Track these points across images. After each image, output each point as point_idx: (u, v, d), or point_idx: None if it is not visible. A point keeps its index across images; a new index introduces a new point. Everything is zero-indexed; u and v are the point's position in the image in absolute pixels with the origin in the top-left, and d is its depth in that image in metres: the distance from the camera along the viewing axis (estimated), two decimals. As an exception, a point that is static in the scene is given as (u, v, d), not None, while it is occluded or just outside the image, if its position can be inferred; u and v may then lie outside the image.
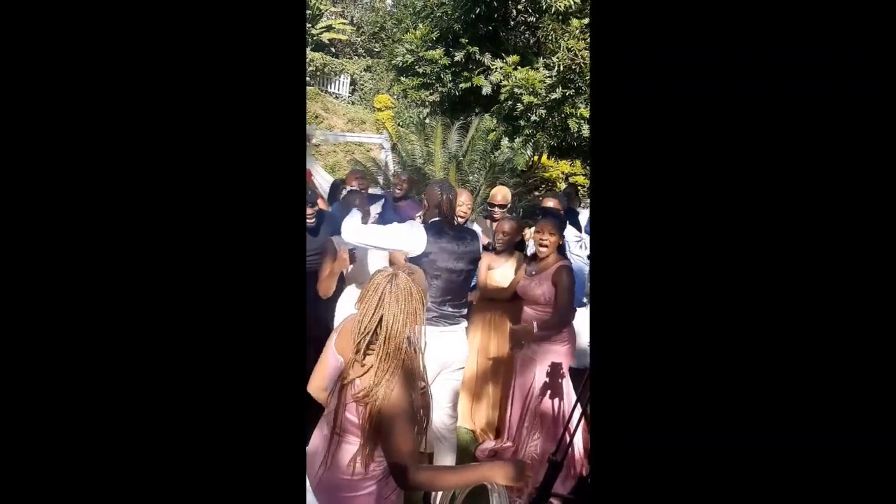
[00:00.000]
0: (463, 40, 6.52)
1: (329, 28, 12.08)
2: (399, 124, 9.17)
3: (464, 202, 2.78)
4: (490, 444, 2.69)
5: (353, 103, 11.28)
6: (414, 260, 2.07)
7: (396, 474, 1.09)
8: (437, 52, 6.56)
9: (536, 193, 6.43)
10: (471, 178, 5.19)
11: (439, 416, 2.15)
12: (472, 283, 2.46)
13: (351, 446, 1.16)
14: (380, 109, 10.23)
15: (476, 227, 2.96)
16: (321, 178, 6.76)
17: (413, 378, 1.17)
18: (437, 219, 2.17)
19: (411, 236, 2.05)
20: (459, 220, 2.60)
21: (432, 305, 2.10)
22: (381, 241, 2.01)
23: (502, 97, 6.36)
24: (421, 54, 6.65)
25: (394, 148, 6.93)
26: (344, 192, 3.13)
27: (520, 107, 6.08)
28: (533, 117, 6.03)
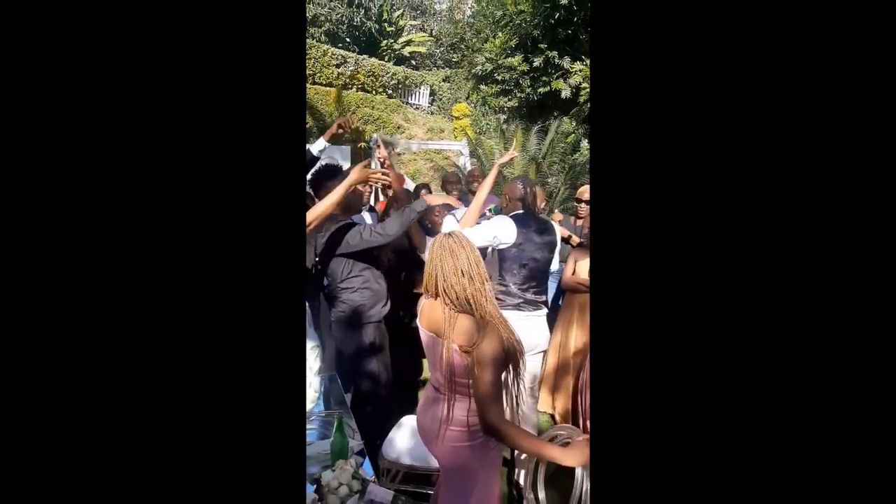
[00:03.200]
0: (542, 45, 6.62)
1: (409, 42, 12.59)
2: (477, 132, 9.39)
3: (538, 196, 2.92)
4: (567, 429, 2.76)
5: (432, 113, 11.64)
6: (505, 250, 2.22)
7: (484, 414, 1.22)
8: (517, 59, 6.71)
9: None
10: (550, 180, 5.26)
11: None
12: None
13: (464, 403, 1.32)
14: (458, 118, 10.50)
15: (558, 227, 3.05)
16: (405, 186, 7.08)
17: (496, 331, 1.30)
18: (520, 212, 2.31)
19: (503, 229, 2.19)
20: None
21: (518, 291, 2.23)
22: (478, 239, 2.17)
23: (581, 99, 6.37)
24: (500, 62, 6.83)
25: (472, 153, 7.13)
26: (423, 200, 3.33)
27: (600, 108, 6.04)
28: (613, 118, 5.97)
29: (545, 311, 2.30)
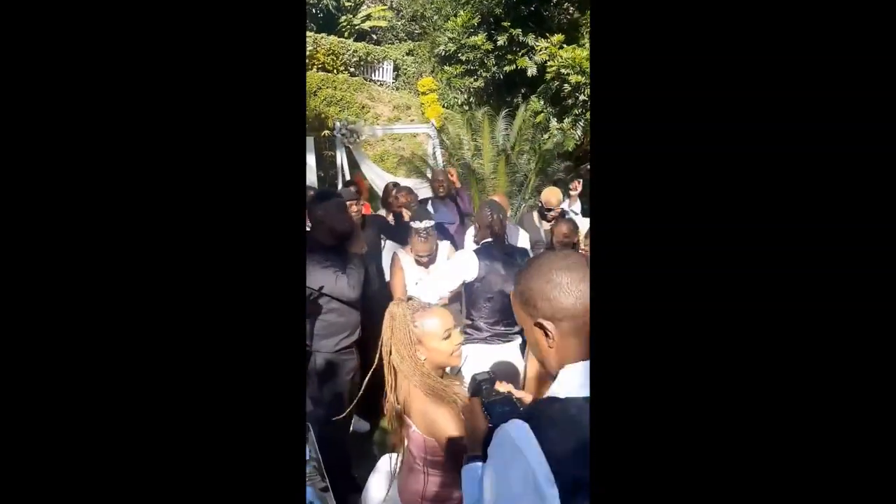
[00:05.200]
0: (505, 23, 6.41)
1: (369, 17, 12.09)
2: (444, 105, 9.16)
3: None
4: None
5: (397, 89, 11.31)
6: (469, 284, 2.17)
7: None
8: (480, 38, 6.49)
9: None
10: (518, 172, 5.18)
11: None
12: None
13: (438, 479, 1.31)
14: (423, 93, 10.23)
15: (519, 231, 3.00)
16: (373, 174, 6.91)
17: (447, 408, 1.28)
18: (489, 240, 2.25)
19: (465, 266, 2.14)
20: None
21: (485, 325, 2.20)
22: (448, 285, 2.13)
23: (548, 77, 6.23)
24: (463, 41, 6.60)
25: (441, 131, 6.96)
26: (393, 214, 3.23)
27: (567, 87, 5.95)
28: (581, 97, 5.89)
29: (518, 340, 2.28)
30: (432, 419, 1.27)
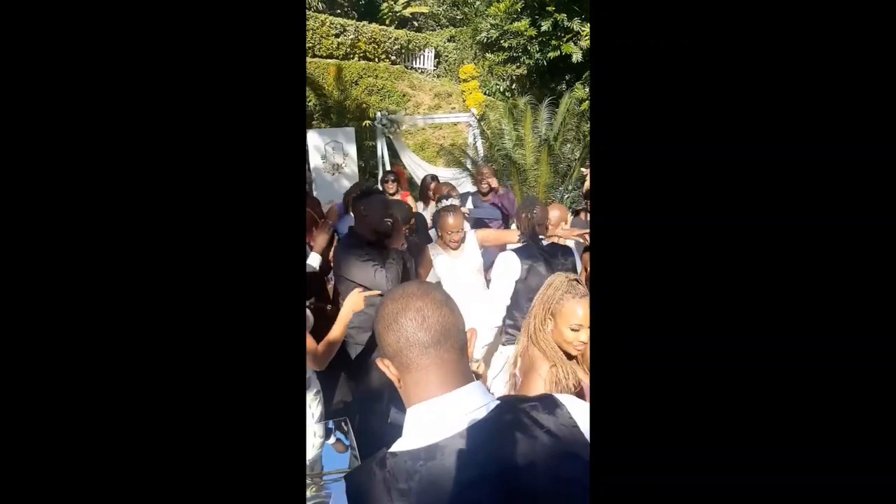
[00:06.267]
0: (550, 8, 6.24)
1: (410, 3, 12.03)
2: (486, 93, 9.05)
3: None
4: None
5: (438, 76, 11.25)
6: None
7: None
8: (523, 24, 6.34)
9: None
10: (561, 163, 5.05)
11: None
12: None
13: None
14: (465, 80, 10.14)
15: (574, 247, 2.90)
16: (413, 163, 6.93)
17: None
18: (528, 240, 2.21)
19: (508, 269, 2.11)
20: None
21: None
22: (499, 300, 2.13)
23: (594, 63, 6.03)
24: (505, 27, 6.47)
25: (481, 120, 6.88)
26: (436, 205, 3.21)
27: (613, 73, 5.74)
28: (628, 83, 5.67)
29: None
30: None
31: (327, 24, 10.00)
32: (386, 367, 0.68)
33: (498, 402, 0.66)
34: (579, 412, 0.65)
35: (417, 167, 6.84)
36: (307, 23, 9.45)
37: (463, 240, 2.41)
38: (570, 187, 5.14)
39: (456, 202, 2.51)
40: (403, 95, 10.28)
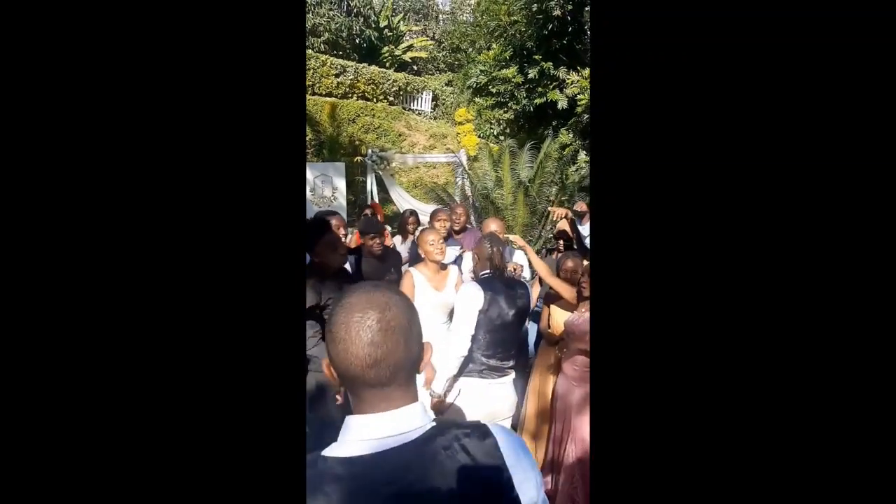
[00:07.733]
0: (536, 57, 6.52)
1: (410, 47, 12.51)
2: (479, 136, 9.30)
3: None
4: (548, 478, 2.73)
5: (435, 118, 11.56)
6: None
7: None
8: (511, 71, 6.61)
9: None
10: (539, 204, 5.18)
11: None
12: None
13: None
14: (460, 123, 10.42)
15: (529, 286, 2.96)
16: (402, 200, 7.06)
17: None
18: (488, 272, 2.26)
19: (472, 300, 2.16)
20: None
21: (481, 357, 2.19)
22: (463, 332, 2.17)
23: (579, 110, 6.26)
24: (494, 74, 6.74)
25: (475, 161, 7.05)
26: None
27: (596, 120, 5.94)
28: (610, 131, 5.86)
29: (511, 376, 2.25)
30: None
31: (328, 63, 10.37)
32: (330, 372, 0.67)
33: (434, 424, 0.66)
34: (507, 445, 0.66)
35: (406, 203, 6.97)
36: (308, 62, 9.79)
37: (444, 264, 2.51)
38: (547, 227, 5.24)
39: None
40: (399, 135, 10.54)
